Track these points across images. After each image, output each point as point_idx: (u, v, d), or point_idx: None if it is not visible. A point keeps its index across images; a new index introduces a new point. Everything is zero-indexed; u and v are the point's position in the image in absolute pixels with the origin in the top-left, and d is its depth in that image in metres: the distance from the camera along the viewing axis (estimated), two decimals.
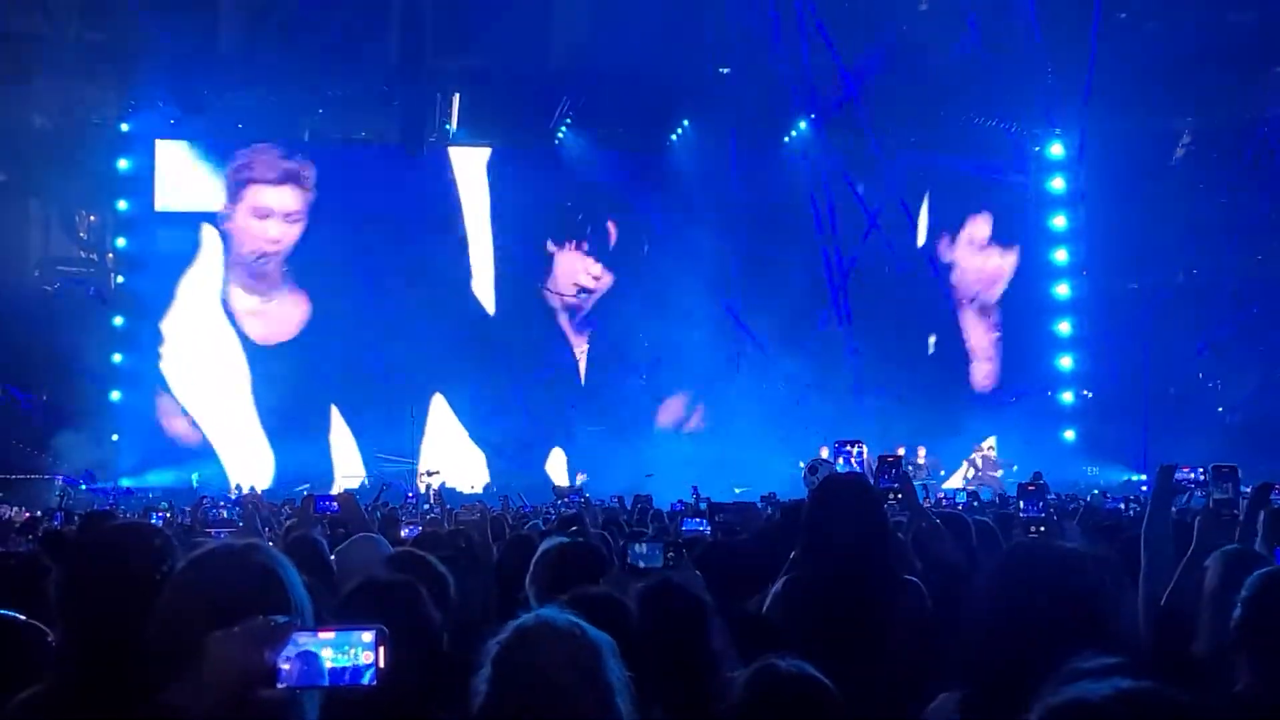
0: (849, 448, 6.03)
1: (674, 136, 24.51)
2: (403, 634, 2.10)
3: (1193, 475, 5.93)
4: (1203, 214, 22.09)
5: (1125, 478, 21.54)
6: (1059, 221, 25.42)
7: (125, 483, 21.77)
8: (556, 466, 24.19)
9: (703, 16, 21.81)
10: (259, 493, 17.61)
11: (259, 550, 2.28)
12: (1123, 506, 10.67)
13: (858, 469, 5.91)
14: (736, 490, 20.71)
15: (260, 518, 7.76)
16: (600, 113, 23.09)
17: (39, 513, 14.17)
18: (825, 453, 19.88)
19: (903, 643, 3.93)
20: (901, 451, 21.57)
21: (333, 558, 5.53)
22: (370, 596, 3.34)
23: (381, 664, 1.98)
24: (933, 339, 25.85)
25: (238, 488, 21.11)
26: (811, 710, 2.77)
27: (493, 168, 24.58)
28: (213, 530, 8.49)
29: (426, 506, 14.14)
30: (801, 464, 10.71)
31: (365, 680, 1.98)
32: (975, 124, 24.06)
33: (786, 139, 24.89)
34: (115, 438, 22.72)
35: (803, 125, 24.28)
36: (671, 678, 3.27)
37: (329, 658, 1.97)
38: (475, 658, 2.62)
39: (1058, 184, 25.40)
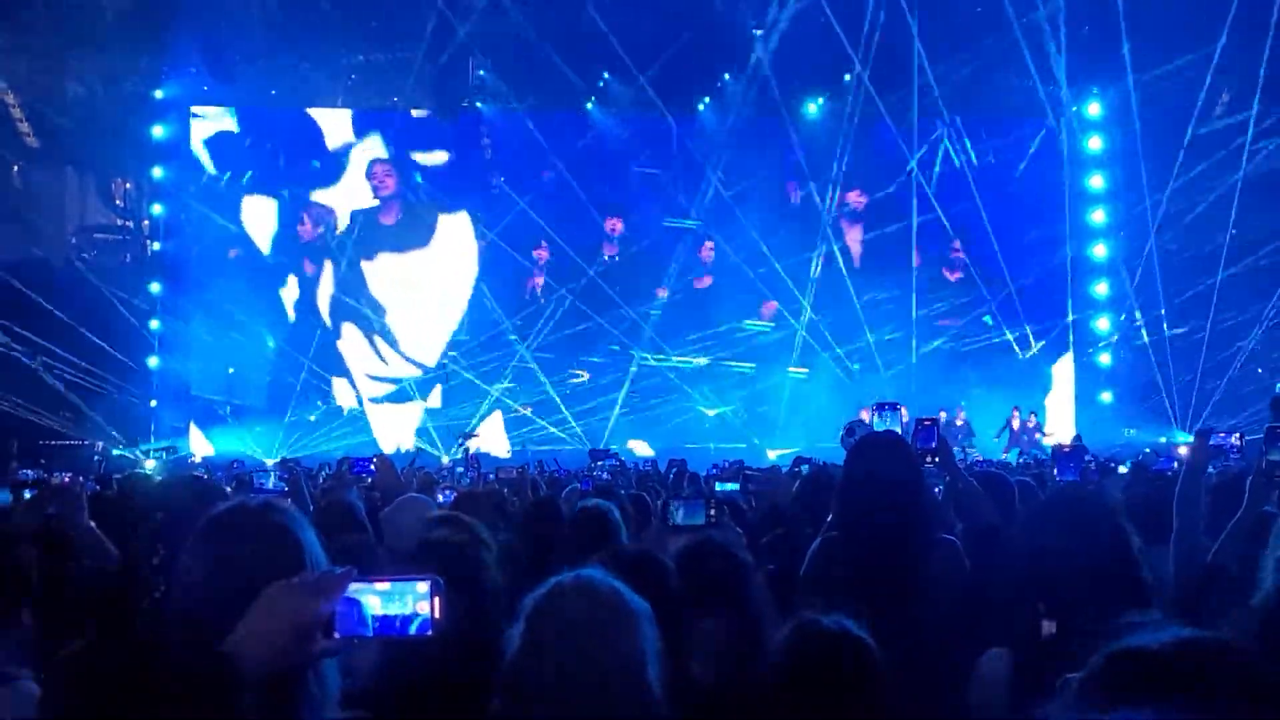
0: (887, 410, 5.99)
1: (707, 100, 24.37)
2: (461, 593, 2.11)
3: (1228, 440, 5.89)
4: (1245, 172, 21.71)
5: (1164, 439, 21.36)
6: (1096, 182, 25.13)
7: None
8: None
9: None
10: (295, 457, 17.80)
11: (275, 509, 2.30)
12: (1176, 465, 10.45)
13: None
14: (771, 455, 20.76)
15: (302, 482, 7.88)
16: (633, 75, 22.97)
17: (80, 477, 14.32)
18: (867, 415, 19.93)
19: (939, 601, 3.92)
20: (944, 415, 21.79)
21: (382, 516, 5.59)
22: (429, 556, 3.36)
23: (437, 614, 1.99)
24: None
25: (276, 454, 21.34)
26: (853, 666, 2.76)
27: (526, 130, 24.56)
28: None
29: (461, 470, 14.14)
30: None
31: (416, 630, 1.99)
32: (1012, 83, 23.71)
33: (819, 100, 24.69)
34: (153, 404, 22.97)
35: (838, 84, 24.09)
36: (711, 635, 3.28)
37: (385, 608, 1.98)
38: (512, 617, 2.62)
39: (1095, 144, 25.08)
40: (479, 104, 24.19)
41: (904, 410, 6.11)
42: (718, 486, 7.51)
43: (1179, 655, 1.55)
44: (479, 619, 3.03)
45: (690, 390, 24.44)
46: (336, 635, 1.96)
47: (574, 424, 24.02)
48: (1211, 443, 4.80)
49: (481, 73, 23.77)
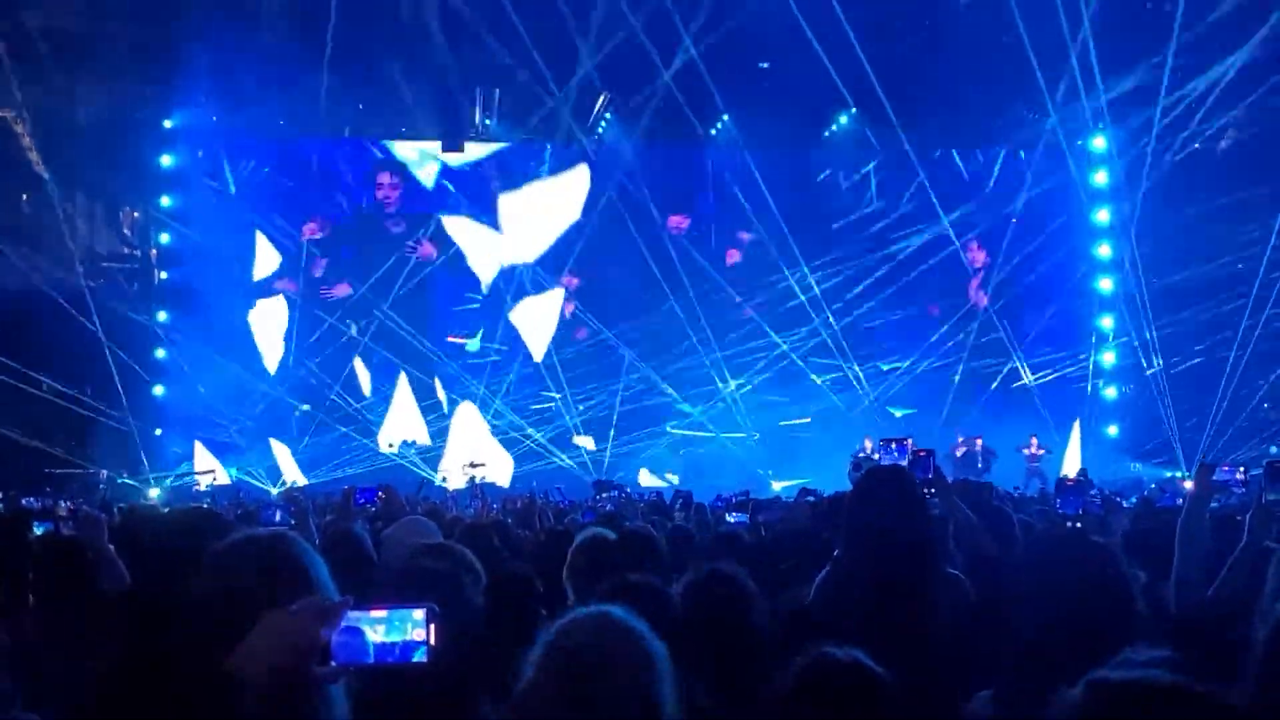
0: (893, 444, 6.02)
1: (713, 131, 24.42)
2: (446, 618, 2.13)
3: (1232, 474, 5.88)
4: (1250, 203, 21.64)
5: (1169, 474, 21.27)
6: (1102, 216, 25.12)
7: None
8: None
9: (741, 11, 21.66)
10: (300, 487, 17.78)
11: (284, 540, 2.32)
12: (1180, 501, 10.42)
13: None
14: (775, 486, 20.70)
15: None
16: (639, 109, 23.06)
17: (83, 503, 14.34)
18: (869, 445, 19.96)
19: (944, 634, 3.92)
20: (977, 444, 21.77)
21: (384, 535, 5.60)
22: (412, 582, 3.37)
23: (433, 642, 2.00)
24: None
25: (281, 483, 21.32)
26: (865, 698, 2.75)
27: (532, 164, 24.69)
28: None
29: (465, 504, 14.09)
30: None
31: (416, 658, 2.00)
32: (1016, 117, 23.75)
33: (826, 134, 24.78)
34: (158, 432, 22.99)
35: (843, 120, 24.17)
36: (717, 664, 3.28)
37: (381, 636, 2.00)
38: (514, 645, 2.62)
39: (1100, 178, 25.09)
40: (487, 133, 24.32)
41: (910, 443, 6.16)
42: (727, 517, 7.63)
43: (1152, 693, 1.57)
44: (457, 644, 3.04)
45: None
46: (334, 663, 1.97)
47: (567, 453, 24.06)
48: (1215, 477, 4.79)
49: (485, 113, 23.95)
